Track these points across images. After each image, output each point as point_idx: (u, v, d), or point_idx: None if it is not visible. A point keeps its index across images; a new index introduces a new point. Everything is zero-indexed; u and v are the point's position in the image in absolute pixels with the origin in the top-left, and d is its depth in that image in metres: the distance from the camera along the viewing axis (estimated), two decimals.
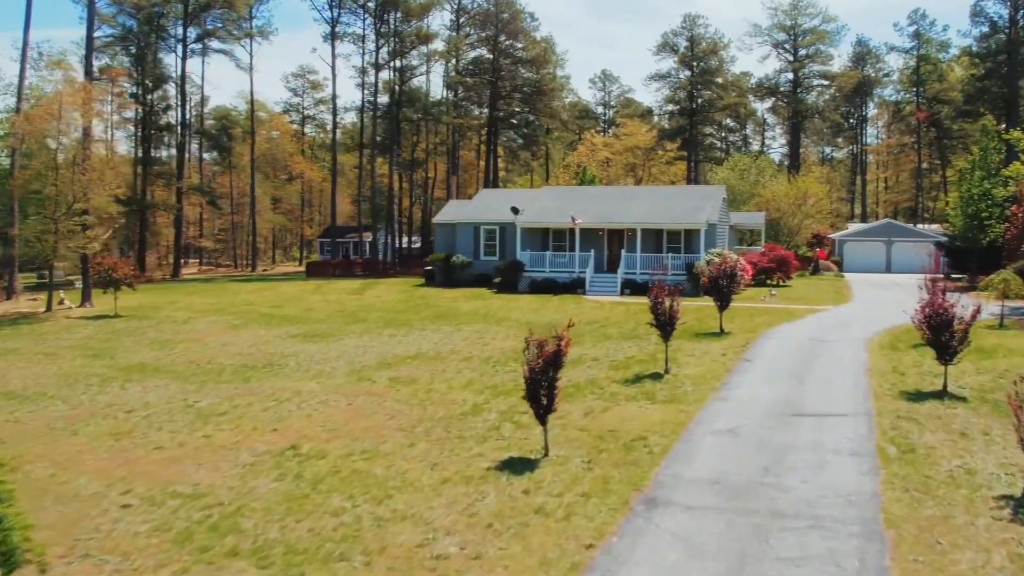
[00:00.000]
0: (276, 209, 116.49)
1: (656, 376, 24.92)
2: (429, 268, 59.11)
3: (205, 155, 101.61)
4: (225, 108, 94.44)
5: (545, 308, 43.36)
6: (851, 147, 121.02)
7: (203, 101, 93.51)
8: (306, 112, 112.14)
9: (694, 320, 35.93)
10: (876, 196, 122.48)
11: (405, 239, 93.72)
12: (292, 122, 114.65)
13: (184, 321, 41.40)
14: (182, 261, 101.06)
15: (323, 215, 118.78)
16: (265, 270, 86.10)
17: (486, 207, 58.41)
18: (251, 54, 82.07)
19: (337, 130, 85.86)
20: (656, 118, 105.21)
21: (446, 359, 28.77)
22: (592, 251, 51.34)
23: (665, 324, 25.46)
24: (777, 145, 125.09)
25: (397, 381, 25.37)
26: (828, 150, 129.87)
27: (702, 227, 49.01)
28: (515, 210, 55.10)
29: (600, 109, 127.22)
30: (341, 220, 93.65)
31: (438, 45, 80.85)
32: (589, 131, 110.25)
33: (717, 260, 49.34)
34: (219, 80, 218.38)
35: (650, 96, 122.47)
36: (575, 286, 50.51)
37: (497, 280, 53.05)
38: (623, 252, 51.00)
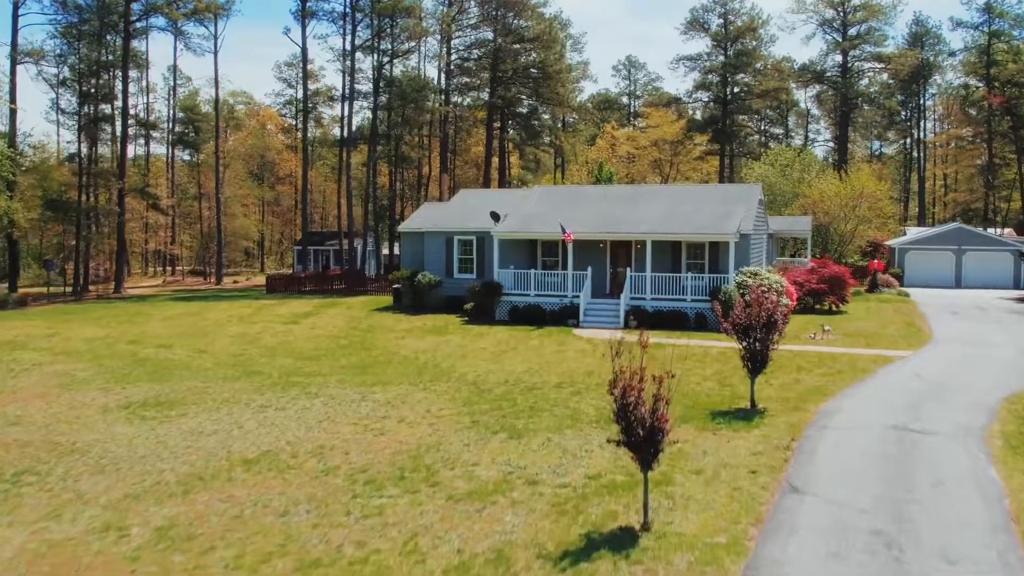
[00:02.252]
0: (270, 211, 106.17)
1: (621, 540, 13.63)
2: (397, 286, 48.10)
3: (182, 154, 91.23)
4: (193, 98, 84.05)
5: (516, 352, 32.12)
6: (904, 140, 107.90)
7: (173, 92, 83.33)
8: (299, 105, 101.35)
9: (714, 378, 24.99)
10: (933, 195, 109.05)
11: (397, 245, 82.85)
12: (284, 115, 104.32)
13: (21, 371, 30.66)
14: (159, 269, 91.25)
15: (324, 217, 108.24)
16: (236, 281, 75.62)
17: (462, 212, 47.15)
18: (215, 35, 71.75)
19: (309, 123, 74.94)
20: (685, 107, 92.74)
21: (291, 471, 17.63)
22: (590, 269, 39.88)
23: (642, 444, 13.99)
24: (822, 139, 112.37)
25: (162, 537, 14.30)
26: (877, 144, 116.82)
27: (731, 239, 37.38)
28: (495, 216, 43.83)
29: (624, 99, 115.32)
30: (339, 223, 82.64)
31: (431, 24, 70.03)
32: (609, 123, 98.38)
33: (751, 282, 37.75)
34: (206, 71, 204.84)
35: (677, 82, 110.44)
36: (566, 315, 39.13)
37: (469, 306, 41.82)
38: (629, 271, 39.50)
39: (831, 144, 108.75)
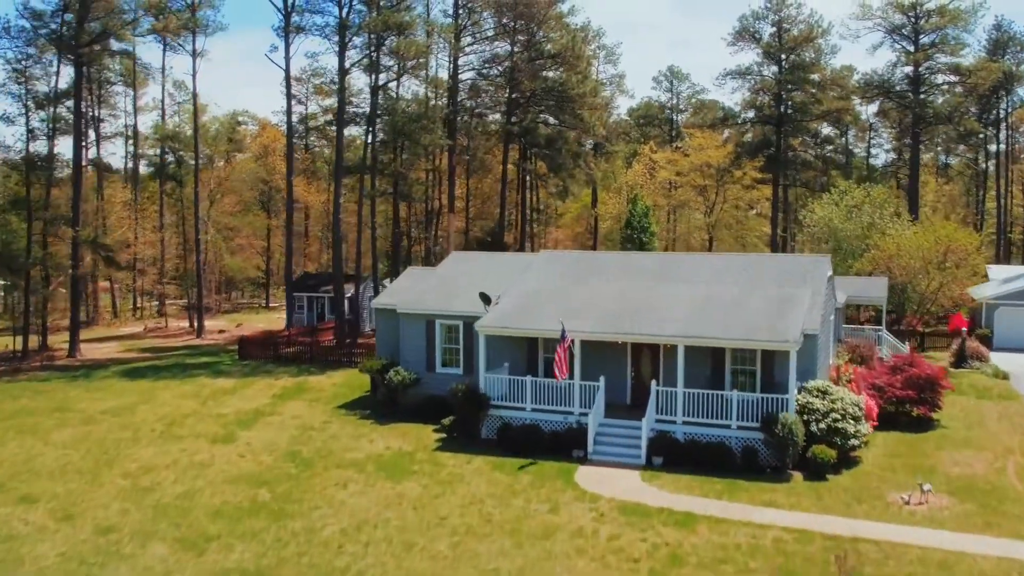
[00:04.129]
0: (283, 235, 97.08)
1: None
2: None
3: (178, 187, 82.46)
4: (172, 126, 75.22)
5: (487, 536, 22.68)
6: (976, 155, 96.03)
7: (162, 115, 74.94)
8: (311, 123, 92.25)
9: None
10: (1010, 218, 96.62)
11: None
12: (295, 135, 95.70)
13: None
14: (155, 304, 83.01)
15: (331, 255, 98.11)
16: (222, 332, 67.02)
17: (449, 285, 37.70)
18: (193, 53, 62.97)
19: (317, 148, 66.05)
20: (734, 127, 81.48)
21: None
22: (603, 380, 30.27)
23: None
24: (882, 153, 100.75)
25: None
26: (943, 157, 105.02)
27: (792, 347, 27.54)
28: (485, 299, 34.45)
29: (666, 112, 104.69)
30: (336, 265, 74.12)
31: (436, 40, 60.59)
32: (649, 143, 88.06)
33: (820, 405, 28.00)
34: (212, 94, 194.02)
35: (725, 98, 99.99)
36: (572, 441, 29.57)
37: (448, 421, 32.43)
38: (655, 384, 29.79)
39: (893, 155, 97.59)
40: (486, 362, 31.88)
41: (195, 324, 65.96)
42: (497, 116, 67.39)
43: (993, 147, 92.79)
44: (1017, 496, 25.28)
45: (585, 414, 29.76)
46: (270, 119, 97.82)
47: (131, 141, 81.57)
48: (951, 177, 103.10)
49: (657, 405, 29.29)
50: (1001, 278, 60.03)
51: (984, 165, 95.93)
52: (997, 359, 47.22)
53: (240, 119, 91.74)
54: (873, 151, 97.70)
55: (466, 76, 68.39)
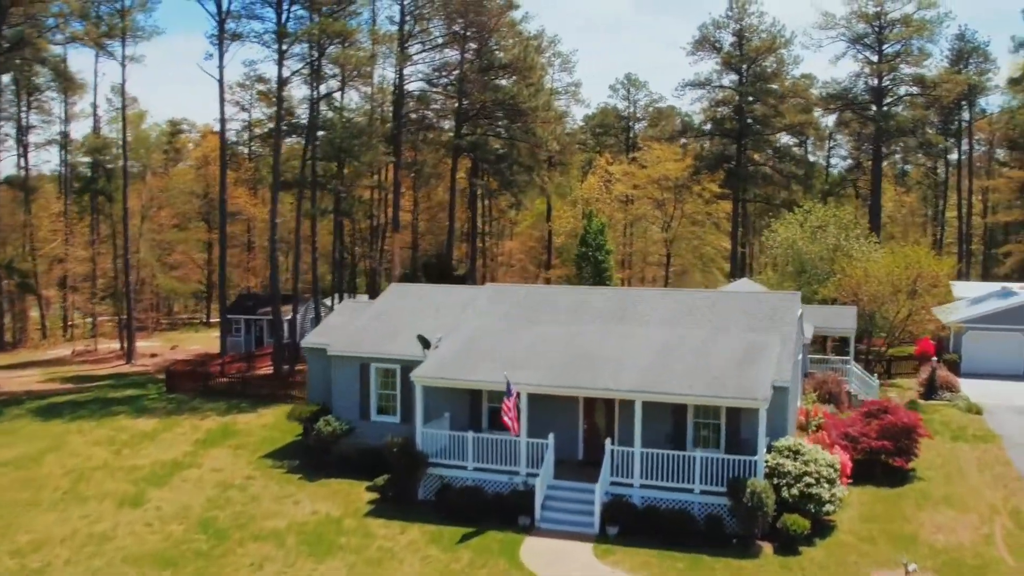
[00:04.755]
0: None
1: None
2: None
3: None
4: (103, 137, 70.72)
5: None
6: (935, 163, 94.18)
7: (95, 123, 70.68)
8: (256, 130, 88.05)
9: None
10: (969, 227, 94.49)
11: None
12: (237, 144, 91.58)
13: None
14: (89, 320, 78.45)
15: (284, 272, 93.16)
16: (154, 355, 63.11)
17: (387, 323, 34.54)
18: (123, 61, 58.89)
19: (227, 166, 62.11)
20: (691, 139, 78.40)
21: None
22: (551, 437, 27.34)
23: None
24: (840, 160, 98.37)
25: None
26: (901, 166, 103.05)
27: (761, 405, 24.83)
28: (424, 342, 31.44)
29: (624, 121, 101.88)
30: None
31: (382, 49, 57.11)
32: (605, 154, 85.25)
33: (792, 467, 25.35)
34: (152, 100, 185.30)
35: (685, 106, 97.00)
36: (518, 506, 26.57)
37: (382, 480, 29.27)
38: (609, 443, 26.88)
39: (850, 160, 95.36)
40: (424, 414, 28.81)
41: (126, 347, 61.99)
42: (447, 126, 63.98)
43: (953, 156, 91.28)
44: (1009, 573, 22.78)
45: (533, 475, 26.81)
46: (214, 126, 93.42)
47: (65, 150, 77.31)
48: (909, 186, 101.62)
49: (612, 466, 26.43)
50: (969, 297, 58.08)
51: (944, 174, 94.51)
52: (967, 387, 45.17)
53: (179, 127, 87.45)
54: (832, 160, 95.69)
55: (415, 86, 65.13)
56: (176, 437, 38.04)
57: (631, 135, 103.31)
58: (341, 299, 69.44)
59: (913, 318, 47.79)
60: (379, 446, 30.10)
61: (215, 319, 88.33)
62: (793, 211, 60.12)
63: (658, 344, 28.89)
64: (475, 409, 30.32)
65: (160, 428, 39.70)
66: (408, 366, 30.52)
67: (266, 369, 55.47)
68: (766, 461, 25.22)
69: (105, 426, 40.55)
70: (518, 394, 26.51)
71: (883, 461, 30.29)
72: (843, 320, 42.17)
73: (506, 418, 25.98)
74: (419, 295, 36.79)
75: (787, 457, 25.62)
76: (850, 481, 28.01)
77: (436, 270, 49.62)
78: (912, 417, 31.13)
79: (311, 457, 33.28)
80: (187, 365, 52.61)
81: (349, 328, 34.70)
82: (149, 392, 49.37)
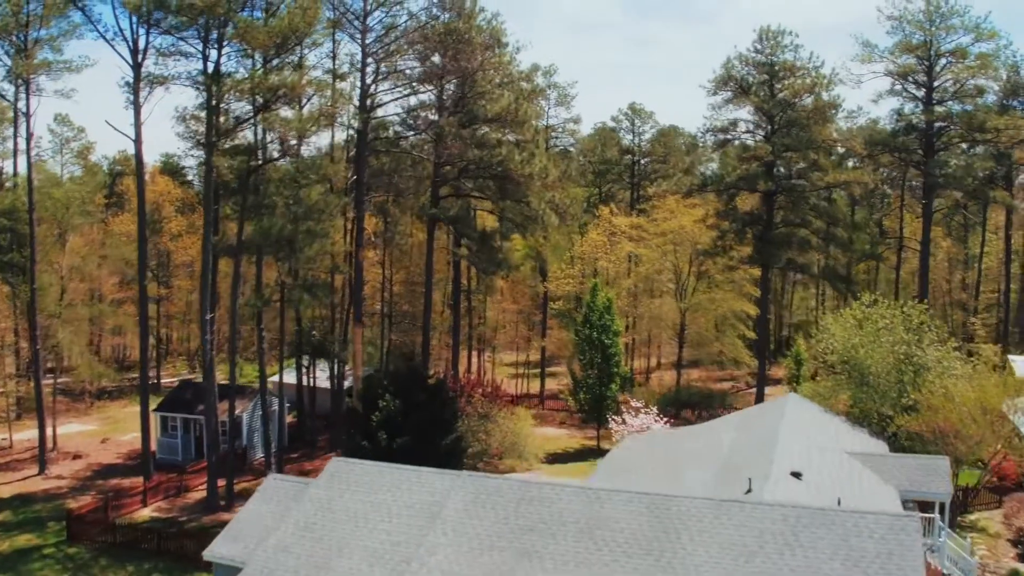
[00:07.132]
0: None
1: None
2: None
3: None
4: (12, 192, 58.94)
5: None
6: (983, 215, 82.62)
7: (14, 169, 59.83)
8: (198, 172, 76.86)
9: None
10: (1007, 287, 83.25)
11: (308, 398, 59.66)
12: (189, 182, 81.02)
13: None
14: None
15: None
16: (78, 455, 52.58)
17: (319, 539, 23.90)
18: (28, 112, 48.02)
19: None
20: (712, 191, 66.55)
21: None
22: None
23: None
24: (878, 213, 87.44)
25: None
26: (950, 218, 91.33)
27: None
28: None
29: (628, 158, 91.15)
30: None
31: (342, 104, 46.47)
32: (610, 205, 74.55)
33: None
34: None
35: (705, 155, 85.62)
36: None
37: None
38: None
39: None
40: None
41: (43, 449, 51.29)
42: (419, 185, 53.07)
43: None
44: None
45: None
46: (164, 162, 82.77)
47: None
48: (946, 235, 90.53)
49: None
50: None
51: (983, 222, 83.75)
52: None
53: (119, 168, 76.64)
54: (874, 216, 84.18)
55: (388, 132, 54.45)
56: None
57: (636, 170, 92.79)
58: (300, 383, 59.11)
59: (1008, 446, 37.68)
60: None
61: (169, 381, 77.31)
62: (837, 287, 49.73)
63: None
64: None
65: None
66: None
67: (201, 490, 45.62)
68: None
69: None
70: None
71: None
72: (934, 481, 31.63)
73: None
74: (368, 487, 25.77)
75: None
76: None
77: (406, 380, 39.42)
78: None
79: None
80: (95, 502, 41.81)
81: (268, 544, 23.92)
82: (46, 539, 39.04)
